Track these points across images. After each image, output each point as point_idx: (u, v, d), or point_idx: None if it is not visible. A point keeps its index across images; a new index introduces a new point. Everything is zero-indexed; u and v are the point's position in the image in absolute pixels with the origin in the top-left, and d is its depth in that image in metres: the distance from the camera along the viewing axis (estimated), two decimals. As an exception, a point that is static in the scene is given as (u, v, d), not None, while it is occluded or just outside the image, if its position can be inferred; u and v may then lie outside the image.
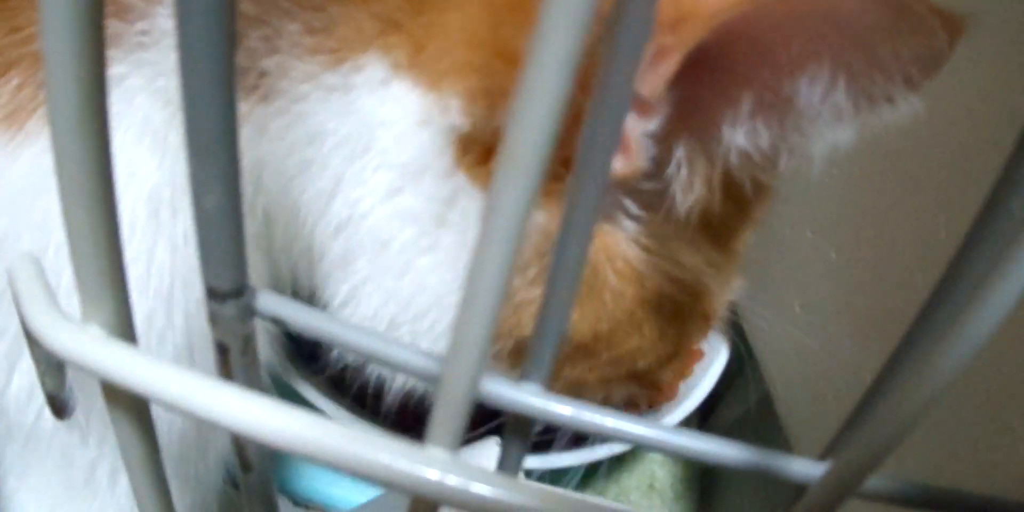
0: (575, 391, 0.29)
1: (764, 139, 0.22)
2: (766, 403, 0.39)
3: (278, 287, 0.29)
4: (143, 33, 0.24)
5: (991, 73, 0.30)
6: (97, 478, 0.25)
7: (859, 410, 0.15)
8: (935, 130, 0.32)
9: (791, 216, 0.39)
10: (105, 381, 0.14)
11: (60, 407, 0.19)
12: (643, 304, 0.28)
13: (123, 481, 0.25)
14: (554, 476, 0.39)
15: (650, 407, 0.39)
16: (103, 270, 0.14)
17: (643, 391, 0.31)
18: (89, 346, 0.14)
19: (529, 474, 0.36)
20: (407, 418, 0.38)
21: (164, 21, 0.23)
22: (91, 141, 0.12)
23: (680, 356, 0.31)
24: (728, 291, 0.31)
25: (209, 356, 0.15)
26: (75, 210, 0.13)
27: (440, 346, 0.18)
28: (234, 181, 0.13)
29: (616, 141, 0.13)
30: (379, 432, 0.29)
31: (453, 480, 0.13)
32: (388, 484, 0.13)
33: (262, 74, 0.24)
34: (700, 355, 0.42)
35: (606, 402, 0.23)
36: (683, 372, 0.40)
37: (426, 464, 0.13)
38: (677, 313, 0.29)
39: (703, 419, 0.45)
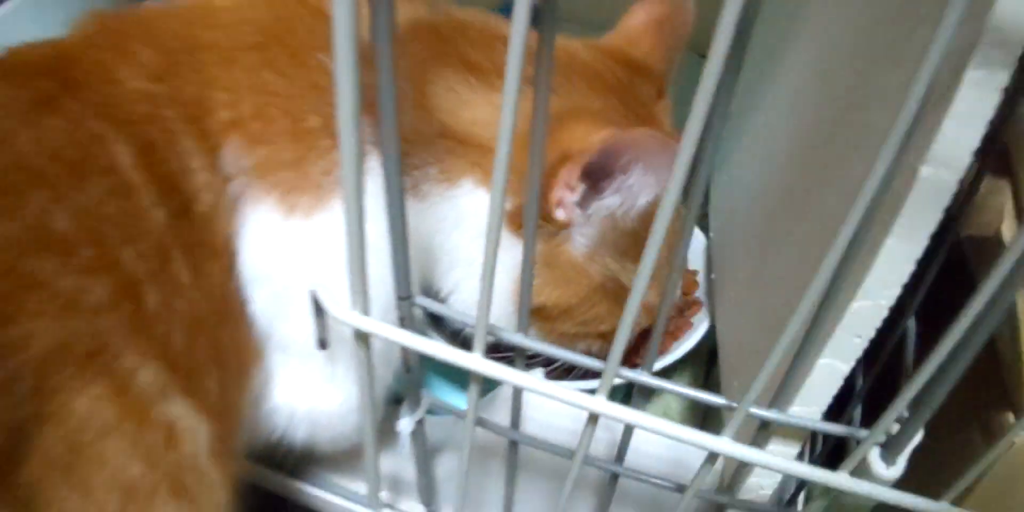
0: (567, 341, 0.54)
1: (619, 200, 0.49)
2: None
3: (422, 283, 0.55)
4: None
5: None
6: (334, 377, 0.52)
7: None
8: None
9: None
10: (358, 331, 0.40)
11: (323, 344, 0.45)
12: (594, 290, 0.53)
13: (348, 377, 0.52)
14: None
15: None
16: (359, 285, 0.40)
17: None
18: (354, 318, 0.40)
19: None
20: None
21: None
22: (356, 212, 0.37)
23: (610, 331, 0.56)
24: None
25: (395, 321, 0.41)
26: (353, 251, 0.38)
27: (495, 314, 0.42)
28: (404, 237, 0.38)
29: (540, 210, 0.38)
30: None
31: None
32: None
33: (415, 185, 0.50)
34: (690, 326, 0.66)
35: (587, 353, 0.46)
36: (676, 335, 0.64)
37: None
38: (617, 297, 0.53)
39: (707, 376, 0.69)
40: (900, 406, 0.35)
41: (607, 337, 0.56)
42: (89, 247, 0.39)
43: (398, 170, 0.34)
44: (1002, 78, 0.28)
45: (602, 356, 0.37)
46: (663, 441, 0.39)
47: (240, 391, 0.48)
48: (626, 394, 0.64)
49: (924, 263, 0.33)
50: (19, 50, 0.46)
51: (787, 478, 0.45)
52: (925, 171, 0.30)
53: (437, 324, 0.66)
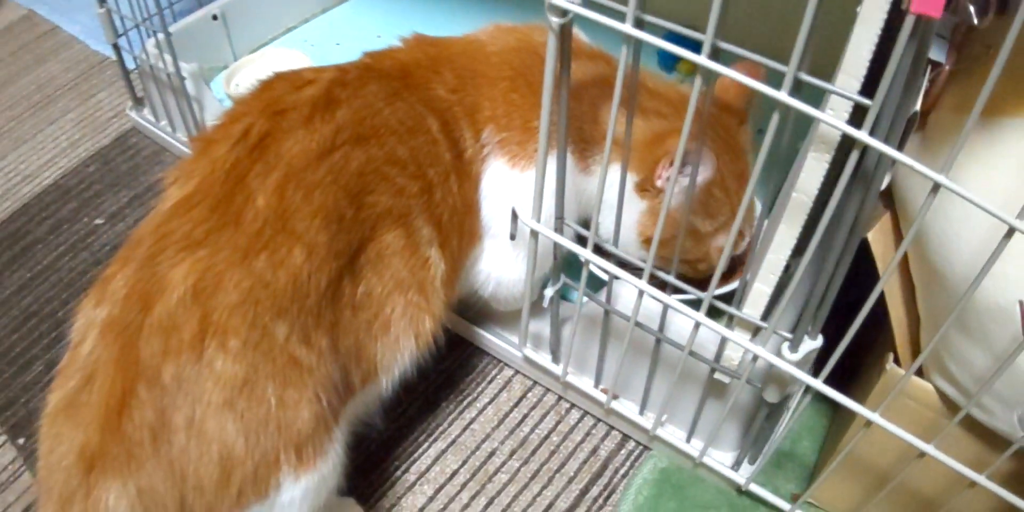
0: (667, 264, 0.91)
1: (687, 180, 0.87)
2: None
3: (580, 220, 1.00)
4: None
5: None
6: (516, 256, 0.97)
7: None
8: None
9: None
10: (532, 230, 0.87)
11: (513, 237, 0.92)
12: (679, 232, 0.90)
13: (522, 260, 0.97)
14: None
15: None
16: (537, 207, 0.86)
17: (699, 271, 1.01)
18: (532, 223, 0.87)
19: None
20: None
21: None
22: (541, 172, 0.84)
23: (707, 260, 1.00)
24: (720, 239, 0.98)
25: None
26: (537, 189, 0.85)
27: (623, 241, 0.86)
28: (563, 187, 0.85)
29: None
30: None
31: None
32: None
33: (587, 165, 0.95)
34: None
35: (679, 276, 0.87)
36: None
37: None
38: (694, 237, 0.96)
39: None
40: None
41: (690, 263, 1.01)
42: (413, 165, 0.87)
43: (564, 151, 0.81)
44: None
45: (690, 276, 0.82)
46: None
47: (465, 254, 0.97)
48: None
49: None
50: (376, 58, 0.96)
51: (746, 353, 0.88)
52: None
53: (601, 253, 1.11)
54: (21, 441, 1.20)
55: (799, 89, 0.60)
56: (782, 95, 0.60)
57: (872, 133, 0.59)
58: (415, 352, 0.92)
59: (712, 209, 0.97)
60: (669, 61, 1.10)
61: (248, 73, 1.69)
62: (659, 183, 0.93)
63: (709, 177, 0.89)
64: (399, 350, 0.90)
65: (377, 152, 0.86)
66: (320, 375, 0.78)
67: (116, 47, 1.59)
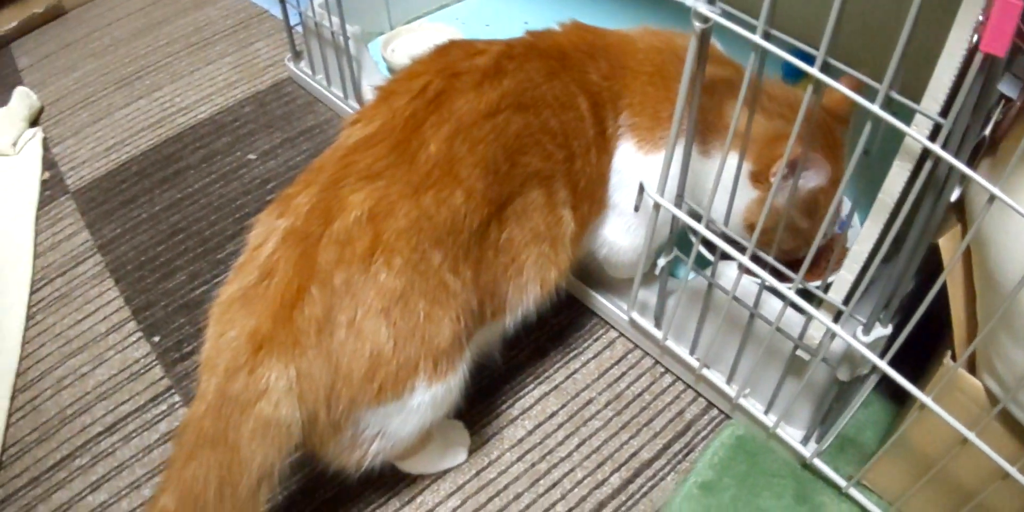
0: (767, 249, 1.16)
1: (799, 181, 1.09)
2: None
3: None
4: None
5: None
6: (635, 226, 1.23)
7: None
8: None
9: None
10: (656, 202, 1.10)
11: (636, 208, 1.16)
12: (780, 222, 1.11)
13: (640, 230, 1.22)
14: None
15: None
16: (663, 183, 1.10)
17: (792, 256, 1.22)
18: (656, 196, 1.11)
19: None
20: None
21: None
22: (669, 157, 1.08)
23: (800, 251, 1.20)
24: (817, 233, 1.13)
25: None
26: (664, 170, 1.09)
27: (732, 225, 1.08)
28: (686, 169, 1.08)
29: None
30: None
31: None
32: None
33: (708, 151, 1.17)
34: (846, 252, 1.27)
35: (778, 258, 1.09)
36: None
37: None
38: (792, 230, 1.18)
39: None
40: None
41: (787, 253, 1.23)
42: (561, 136, 1.12)
43: (691, 138, 1.04)
44: None
45: (786, 262, 1.05)
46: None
47: (592, 219, 1.22)
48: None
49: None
50: (538, 38, 1.21)
51: (826, 334, 1.09)
52: None
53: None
54: (156, 339, 1.51)
55: (890, 104, 0.83)
56: (875, 108, 0.82)
57: (944, 147, 0.81)
58: (538, 298, 1.17)
59: (811, 209, 1.19)
60: (793, 75, 1.32)
61: (404, 41, 2.00)
62: (771, 179, 1.16)
63: (821, 184, 1.11)
64: (526, 293, 1.15)
65: (533, 120, 1.11)
66: (461, 301, 1.03)
67: (283, 2, 1.90)
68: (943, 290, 1.01)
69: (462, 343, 1.05)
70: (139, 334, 1.53)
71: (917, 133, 0.82)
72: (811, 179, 1.09)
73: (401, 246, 0.98)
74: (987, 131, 0.85)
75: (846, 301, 1.04)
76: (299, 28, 1.95)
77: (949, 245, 1.07)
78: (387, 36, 2.01)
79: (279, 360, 0.96)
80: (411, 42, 1.98)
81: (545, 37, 1.22)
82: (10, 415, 1.44)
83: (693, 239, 1.16)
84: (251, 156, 1.86)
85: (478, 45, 1.18)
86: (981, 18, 0.72)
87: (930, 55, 0.79)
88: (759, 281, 1.10)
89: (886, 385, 1.23)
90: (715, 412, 1.33)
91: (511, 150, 1.08)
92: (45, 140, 2.00)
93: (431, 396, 1.04)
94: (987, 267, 0.97)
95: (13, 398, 1.46)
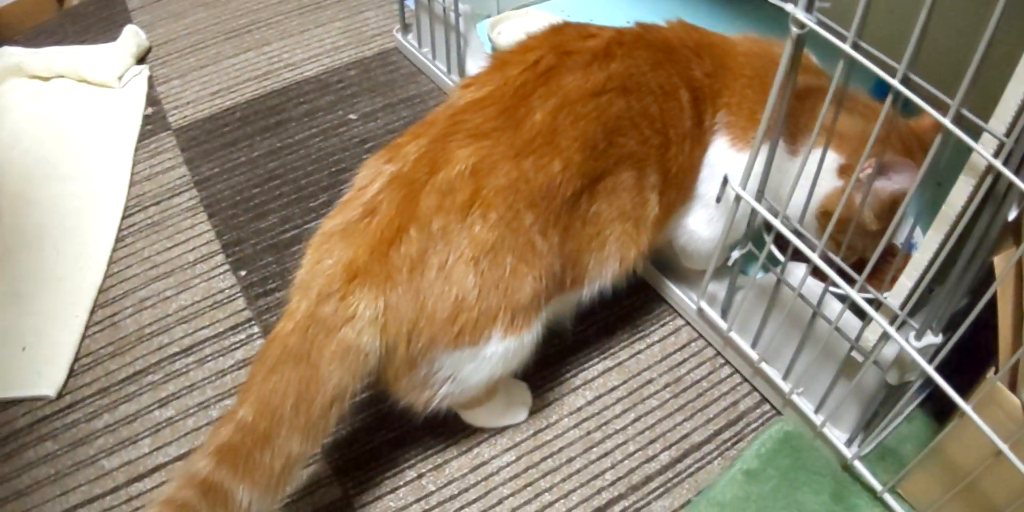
0: (835, 249, 1.27)
1: (883, 183, 1.23)
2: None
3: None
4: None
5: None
6: (716, 218, 1.37)
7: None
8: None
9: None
10: (737, 195, 1.24)
11: (719, 199, 1.30)
12: (856, 222, 1.25)
13: (719, 222, 1.36)
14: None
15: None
16: (746, 179, 1.24)
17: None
18: (739, 190, 1.25)
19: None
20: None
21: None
22: (754, 156, 1.22)
23: (864, 253, 1.33)
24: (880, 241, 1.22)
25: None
26: (748, 167, 1.23)
27: (806, 221, 1.24)
28: (768, 167, 1.22)
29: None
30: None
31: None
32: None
33: (796, 149, 1.30)
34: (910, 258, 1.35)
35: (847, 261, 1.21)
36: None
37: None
38: (864, 233, 1.29)
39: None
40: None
41: (852, 255, 1.34)
42: (659, 123, 1.27)
43: (777, 139, 1.18)
44: None
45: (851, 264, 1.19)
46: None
47: (676, 207, 1.36)
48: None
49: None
50: (647, 30, 1.35)
51: (881, 337, 1.22)
52: None
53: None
54: (242, 274, 1.71)
55: (960, 121, 0.96)
56: (946, 121, 0.95)
57: (1005, 164, 0.93)
58: (616, 274, 1.31)
59: (884, 212, 1.31)
60: (881, 93, 1.45)
61: (511, 25, 2.19)
62: (862, 175, 1.29)
63: (904, 188, 1.23)
64: (606, 267, 1.30)
65: (635, 104, 1.25)
66: (545, 263, 1.18)
67: None
68: (995, 308, 1.13)
69: (540, 303, 1.20)
70: (226, 267, 1.71)
71: (983, 149, 0.95)
72: (898, 181, 1.22)
73: (498, 202, 1.13)
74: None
75: (903, 306, 1.17)
76: (410, 2, 2.14)
77: (1003, 264, 1.19)
78: (495, 18, 2.19)
79: (370, 291, 1.11)
80: (518, 26, 2.15)
81: (653, 30, 1.37)
82: (87, 327, 1.63)
83: (767, 238, 1.29)
84: (352, 116, 2.04)
85: (591, 28, 1.32)
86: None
87: (1004, 78, 0.91)
88: (824, 283, 1.23)
89: (932, 403, 1.36)
90: (767, 407, 1.46)
91: (610, 130, 1.22)
92: (151, 78, 2.20)
93: (504, 348, 1.18)
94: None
95: (93, 312, 1.65)
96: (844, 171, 1.28)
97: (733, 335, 1.46)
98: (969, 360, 1.15)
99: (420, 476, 1.40)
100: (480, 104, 1.21)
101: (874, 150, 1.09)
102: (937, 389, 1.12)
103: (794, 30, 1.04)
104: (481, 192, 1.13)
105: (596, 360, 1.53)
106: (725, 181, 1.28)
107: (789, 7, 1.03)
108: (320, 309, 1.10)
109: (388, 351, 1.13)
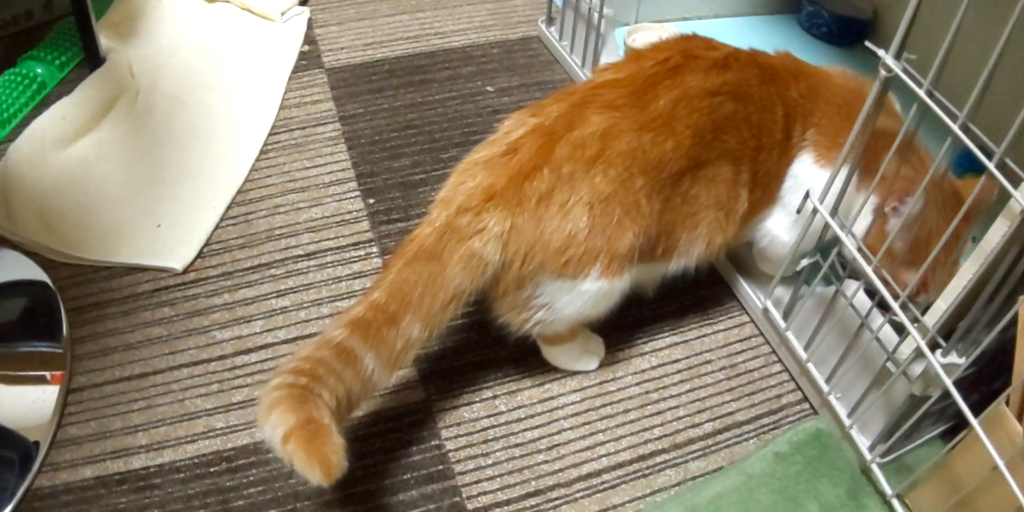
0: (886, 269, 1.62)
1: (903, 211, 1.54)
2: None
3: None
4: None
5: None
6: (793, 226, 1.72)
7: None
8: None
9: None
10: (814, 208, 1.60)
11: (799, 210, 1.66)
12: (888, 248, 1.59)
13: (796, 229, 1.71)
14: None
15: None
16: (824, 194, 1.59)
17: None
18: (816, 203, 1.61)
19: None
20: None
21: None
22: (833, 176, 1.58)
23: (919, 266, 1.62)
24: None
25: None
26: (827, 185, 1.58)
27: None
28: (844, 190, 1.58)
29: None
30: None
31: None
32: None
33: (859, 188, 1.63)
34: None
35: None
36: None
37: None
38: (895, 258, 1.60)
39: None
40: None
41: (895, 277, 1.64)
42: (757, 130, 1.63)
43: (855, 165, 1.53)
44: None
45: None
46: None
47: (761, 207, 1.73)
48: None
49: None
50: (758, 54, 1.72)
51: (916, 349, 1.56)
52: None
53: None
54: (371, 201, 2.13)
55: (1003, 168, 1.26)
56: (990, 165, 1.26)
57: None
58: (702, 255, 1.67)
59: (913, 248, 1.61)
60: (962, 167, 1.77)
61: (645, 35, 2.63)
62: (887, 209, 1.59)
63: (915, 214, 1.53)
64: (694, 246, 1.66)
65: (741, 110, 1.61)
66: (645, 223, 1.53)
67: None
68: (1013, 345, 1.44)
69: (632, 257, 1.54)
70: (357, 193, 2.13)
71: (1020, 193, 1.23)
72: (911, 206, 1.52)
73: (617, 163, 1.48)
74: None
75: (936, 326, 1.48)
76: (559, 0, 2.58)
77: None
78: (633, 27, 2.63)
79: (502, 211, 1.45)
80: (651, 36, 2.56)
81: (763, 55, 1.73)
82: (222, 219, 2.05)
83: (833, 253, 1.62)
84: (489, 88, 2.47)
85: (715, 43, 1.69)
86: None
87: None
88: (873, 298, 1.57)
89: (952, 435, 1.67)
90: (806, 405, 1.80)
91: (717, 126, 1.58)
92: (310, 20, 2.66)
93: (597, 287, 1.53)
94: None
95: (229, 207, 2.08)
96: (878, 210, 1.61)
97: (789, 335, 1.82)
98: (996, 393, 1.42)
99: (495, 397, 1.75)
100: (616, 84, 1.57)
101: (900, 191, 1.51)
102: (958, 423, 1.43)
103: (882, 73, 1.37)
104: (606, 152, 1.47)
105: (666, 334, 1.89)
106: (807, 195, 1.64)
107: (881, 53, 1.35)
108: (457, 220, 1.45)
109: (504, 266, 1.48)
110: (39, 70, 2.36)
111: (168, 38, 2.52)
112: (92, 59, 2.38)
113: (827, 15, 2.70)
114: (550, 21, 2.68)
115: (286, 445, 1.25)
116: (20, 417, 1.60)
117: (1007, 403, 1.38)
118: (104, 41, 2.41)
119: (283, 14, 2.61)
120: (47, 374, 1.66)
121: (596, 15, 2.31)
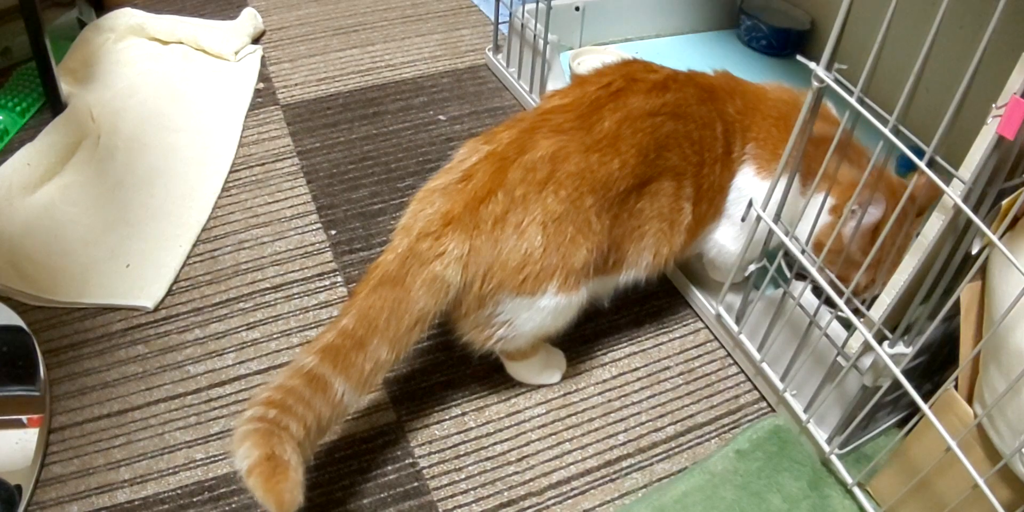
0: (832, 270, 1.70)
1: (862, 215, 1.64)
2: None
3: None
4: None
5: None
6: (740, 235, 1.79)
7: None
8: None
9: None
10: (759, 216, 1.68)
11: (743, 219, 1.73)
12: (843, 251, 1.67)
13: (742, 239, 1.79)
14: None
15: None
16: (766, 202, 1.67)
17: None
18: (759, 212, 1.69)
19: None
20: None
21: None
22: (772, 186, 1.66)
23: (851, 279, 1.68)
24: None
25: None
26: (768, 195, 1.66)
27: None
28: (784, 199, 1.66)
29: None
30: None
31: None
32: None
33: (805, 191, 1.68)
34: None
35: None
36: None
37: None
38: (847, 261, 1.68)
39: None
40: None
41: (845, 276, 1.71)
42: (698, 146, 1.70)
43: (794, 173, 1.60)
44: None
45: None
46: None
47: (707, 220, 1.79)
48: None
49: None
50: (696, 74, 1.82)
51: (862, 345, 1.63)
52: None
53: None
54: (332, 233, 2.19)
55: (932, 165, 1.33)
56: (921, 164, 1.34)
57: (965, 202, 1.33)
58: (650, 266, 1.73)
59: (866, 244, 1.69)
60: (904, 167, 1.87)
61: (590, 58, 2.73)
62: (846, 210, 1.64)
63: (877, 219, 1.63)
64: (641, 257, 1.72)
65: (681, 128, 1.68)
66: (597, 239, 1.59)
67: (498, 2, 2.65)
68: (959, 333, 1.51)
69: (588, 272, 1.60)
70: (319, 225, 2.18)
71: (952, 190, 1.31)
72: (872, 214, 1.62)
73: (567, 183, 1.54)
74: (1004, 202, 1.33)
75: (881, 319, 1.55)
76: (504, 27, 2.68)
77: (967, 296, 1.51)
78: (577, 51, 2.74)
79: (461, 235, 1.50)
80: (595, 60, 2.65)
81: (701, 75, 1.82)
82: (189, 257, 2.10)
83: (779, 259, 1.69)
84: (441, 117, 2.54)
85: (653, 66, 1.77)
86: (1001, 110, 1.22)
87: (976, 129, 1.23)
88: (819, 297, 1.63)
89: (906, 422, 1.76)
90: (764, 404, 1.87)
91: (660, 145, 1.64)
92: (263, 58, 2.72)
93: (555, 303, 1.59)
94: (991, 313, 1.39)
95: (195, 245, 2.13)
96: (834, 210, 1.69)
97: (743, 338, 1.88)
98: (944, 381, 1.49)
99: (464, 414, 1.80)
100: (563, 109, 1.64)
101: (861, 196, 1.54)
102: (912, 411, 1.49)
103: (815, 84, 1.45)
104: (556, 174, 1.54)
105: (624, 344, 1.96)
106: (750, 204, 1.71)
107: (812, 65, 1.43)
108: (418, 245, 1.50)
109: (465, 287, 1.53)
110: (0, 117, 2.41)
111: (126, 81, 2.57)
112: (54, 104, 2.42)
113: (765, 28, 2.81)
114: (497, 49, 2.77)
115: (249, 479, 1.32)
116: (1, 463, 1.63)
117: (956, 388, 1.46)
118: (64, 86, 2.45)
119: (237, 53, 2.68)
120: (23, 418, 1.68)
121: (541, 41, 2.40)
